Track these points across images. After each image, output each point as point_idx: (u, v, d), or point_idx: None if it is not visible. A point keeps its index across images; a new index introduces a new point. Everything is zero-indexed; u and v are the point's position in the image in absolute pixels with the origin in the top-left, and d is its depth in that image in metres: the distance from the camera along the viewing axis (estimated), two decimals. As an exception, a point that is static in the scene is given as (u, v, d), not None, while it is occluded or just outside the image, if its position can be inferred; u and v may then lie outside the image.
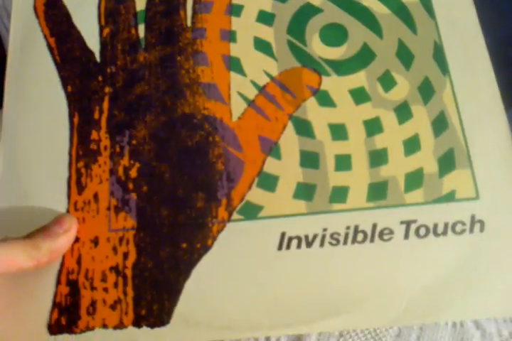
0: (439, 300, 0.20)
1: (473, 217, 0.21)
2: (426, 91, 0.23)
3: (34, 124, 0.24)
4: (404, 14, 0.25)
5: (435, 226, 0.21)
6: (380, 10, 0.26)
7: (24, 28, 0.26)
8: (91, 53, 0.26)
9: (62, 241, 0.21)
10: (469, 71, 0.24)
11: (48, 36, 0.26)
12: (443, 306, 0.20)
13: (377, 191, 0.22)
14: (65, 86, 0.25)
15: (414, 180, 0.22)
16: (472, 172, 0.22)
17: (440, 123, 0.23)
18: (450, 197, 0.21)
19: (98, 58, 0.26)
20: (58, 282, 0.21)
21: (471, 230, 0.21)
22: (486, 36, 0.25)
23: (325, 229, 0.21)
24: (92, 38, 0.26)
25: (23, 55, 0.26)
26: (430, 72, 0.24)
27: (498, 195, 0.21)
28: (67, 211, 0.22)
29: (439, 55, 0.24)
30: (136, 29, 0.26)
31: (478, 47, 0.24)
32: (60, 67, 0.25)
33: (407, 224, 0.21)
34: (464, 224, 0.21)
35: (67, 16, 0.26)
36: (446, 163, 0.22)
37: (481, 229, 0.21)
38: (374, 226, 0.21)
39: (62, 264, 0.22)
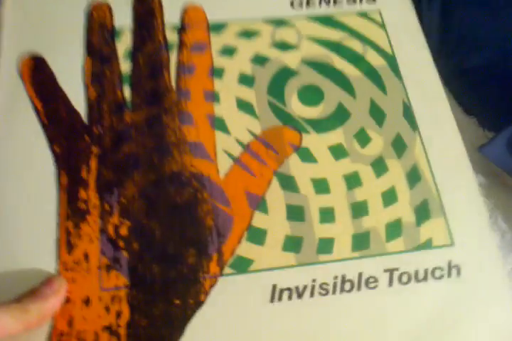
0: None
1: (449, 263, 0.24)
2: (399, 146, 0.27)
3: (21, 185, 0.26)
4: (374, 76, 0.30)
5: (416, 272, 0.24)
6: (352, 72, 0.30)
7: (10, 91, 0.29)
8: (77, 114, 0.28)
9: (52, 302, 0.23)
10: (436, 127, 0.28)
11: (34, 99, 0.29)
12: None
13: (361, 241, 0.25)
14: (51, 146, 0.27)
15: (394, 229, 0.25)
16: (446, 221, 0.25)
17: (414, 176, 0.26)
18: (428, 245, 0.24)
19: (84, 118, 0.28)
20: (49, 345, 0.22)
21: (449, 275, 0.24)
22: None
23: (314, 280, 0.24)
24: (77, 99, 0.29)
25: (9, 117, 0.28)
26: (401, 128, 0.28)
27: (471, 240, 0.24)
28: (57, 271, 0.24)
29: (407, 113, 0.29)
30: (122, 90, 0.29)
31: (442, 105, 0.29)
32: (47, 128, 0.28)
33: (391, 271, 0.24)
34: (442, 269, 0.24)
35: (53, 80, 0.29)
36: (422, 212, 0.25)
37: (458, 274, 0.24)
38: (360, 275, 0.24)
39: (52, 326, 0.23)
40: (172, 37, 0.31)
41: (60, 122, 0.28)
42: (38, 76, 0.30)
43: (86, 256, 0.24)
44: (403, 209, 0.25)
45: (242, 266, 0.24)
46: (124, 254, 0.24)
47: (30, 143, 0.27)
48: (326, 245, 0.25)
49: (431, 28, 0.34)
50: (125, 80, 0.30)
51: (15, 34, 0.30)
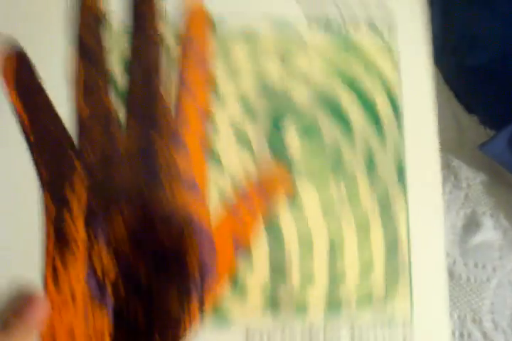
0: None
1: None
2: (385, 212, 0.28)
3: (4, 215, 0.25)
4: (378, 126, 0.29)
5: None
6: (357, 117, 0.29)
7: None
8: (69, 136, 0.26)
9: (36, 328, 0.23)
10: (424, 194, 0.29)
11: (19, 109, 0.26)
12: None
13: (334, 309, 0.26)
14: (38, 171, 0.25)
15: (365, 301, 0.27)
16: (411, 299, 0.27)
17: (392, 249, 0.28)
18: (390, 320, 0.27)
19: (75, 142, 0.26)
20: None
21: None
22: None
23: None
24: (66, 119, 0.26)
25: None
26: (393, 193, 0.28)
27: (429, 322, 0.27)
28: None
29: (401, 177, 0.29)
30: (112, 103, 0.27)
31: (435, 169, 0.29)
32: (34, 148, 0.25)
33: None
34: None
35: (41, 89, 0.26)
36: (391, 288, 0.27)
37: None
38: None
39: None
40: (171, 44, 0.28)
41: (50, 143, 0.25)
42: (25, 81, 0.26)
43: (73, 296, 0.25)
44: (376, 282, 0.27)
45: (221, 316, 0.26)
46: (111, 298, 0.25)
47: (13, 165, 0.25)
48: (302, 307, 0.26)
49: (432, 26, 0.32)
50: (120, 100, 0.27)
51: None
